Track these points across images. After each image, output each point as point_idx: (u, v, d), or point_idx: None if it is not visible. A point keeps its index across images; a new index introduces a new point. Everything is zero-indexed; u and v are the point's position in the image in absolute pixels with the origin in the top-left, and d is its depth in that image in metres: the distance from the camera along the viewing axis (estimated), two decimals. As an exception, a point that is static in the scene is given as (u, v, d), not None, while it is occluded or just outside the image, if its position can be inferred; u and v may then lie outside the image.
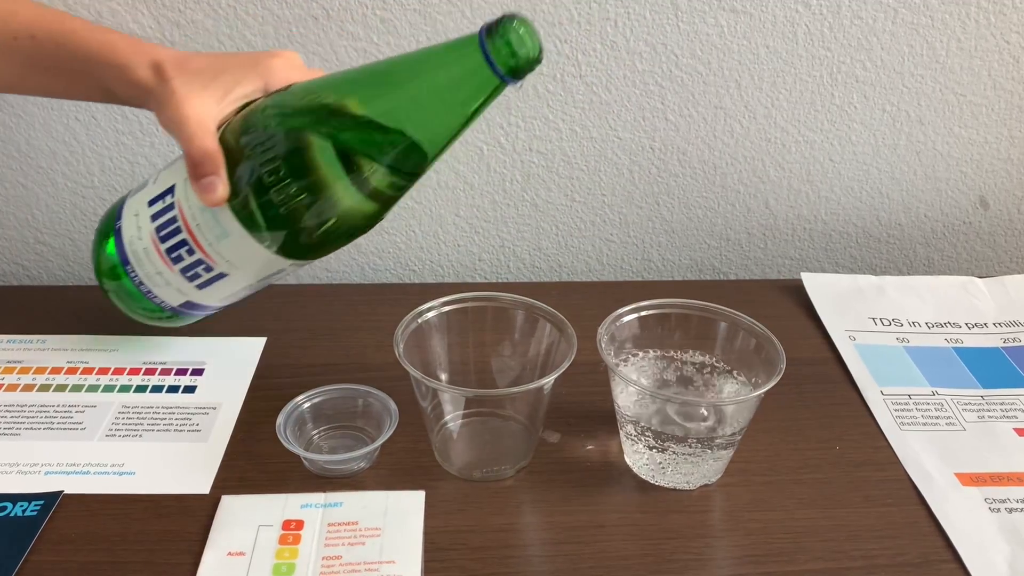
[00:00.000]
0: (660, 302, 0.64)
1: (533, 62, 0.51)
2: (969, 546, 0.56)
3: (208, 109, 0.57)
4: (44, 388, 0.67)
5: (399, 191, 0.57)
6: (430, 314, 0.63)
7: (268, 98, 0.57)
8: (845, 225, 0.92)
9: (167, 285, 0.62)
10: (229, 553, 0.53)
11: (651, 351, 0.64)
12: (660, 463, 0.59)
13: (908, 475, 0.62)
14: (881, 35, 0.82)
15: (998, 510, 0.59)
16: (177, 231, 0.59)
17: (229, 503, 0.57)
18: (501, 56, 0.50)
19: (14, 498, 0.57)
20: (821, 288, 0.83)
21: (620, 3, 0.79)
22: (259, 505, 0.56)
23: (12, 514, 0.56)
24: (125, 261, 0.62)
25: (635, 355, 0.64)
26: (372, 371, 0.67)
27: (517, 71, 0.50)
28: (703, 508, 0.59)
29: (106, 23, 0.77)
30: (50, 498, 0.57)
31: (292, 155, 0.54)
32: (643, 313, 0.63)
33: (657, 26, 0.80)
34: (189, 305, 0.63)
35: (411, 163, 0.55)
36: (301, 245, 0.58)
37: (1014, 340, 0.77)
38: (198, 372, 0.69)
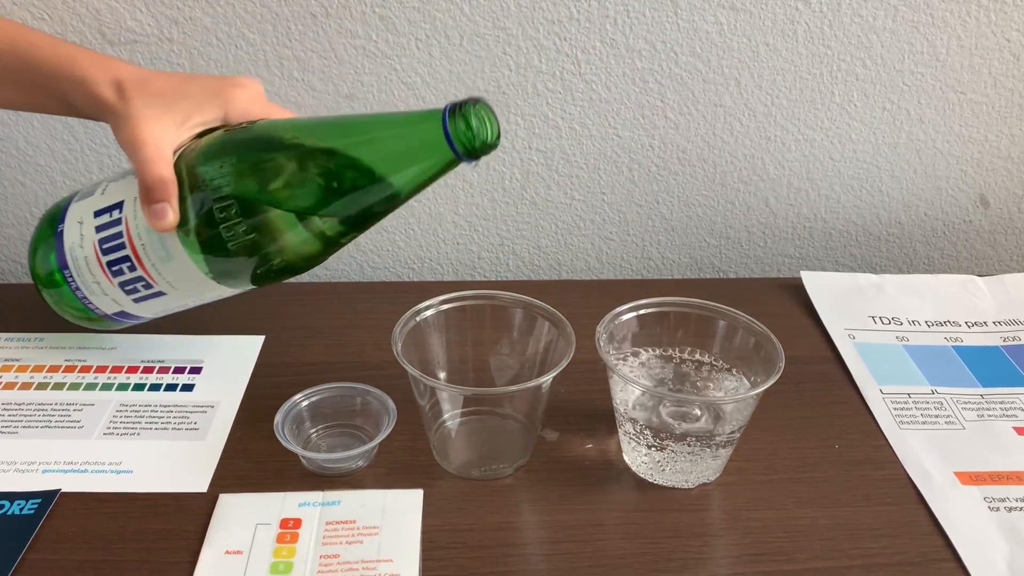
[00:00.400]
0: (659, 300, 0.64)
1: (489, 147, 0.52)
2: (968, 545, 0.56)
3: (166, 134, 0.57)
4: (42, 386, 0.67)
5: (346, 239, 0.57)
6: (428, 312, 0.62)
7: (228, 133, 0.57)
8: (845, 223, 0.92)
9: (103, 295, 0.62)
10: (227, 551, 0.53)
11: (650, 350, 0.64)
12: (659, 462, 0.59)
13: (907, 474, 0.62)
14: (881, 33, 0.82)
15: (997, 509, 0.59)
16: (121, 247, 0.59)
17: (227, 501, 0.57)
18: (460, 136, 0.51)
19: (12, 496, 0.57)
20: (821, 287, 0.83)
21: (619, 1, 0.79)
22: (257, 504, 0.56)
23: (10, 512, 0.55)
24: (64, 265, 0.62)
25: (634, 354, 0.64)
26: (370, 369, 0.66)
27: (473, 152, 0.52)
28: (702, 507, 0.59)
29: (105, 21, 0.77)
30: (48, 496, 0.57)
31: (245, 196, 0.54)
32: (642, 311, 0.63)
33: (656, 24, 0.80)
34: (122, 315, 0.64)
35: (361, 218, 0.56)
36: (243, 277, 0.58)
37: (1014, 339, 0.76)
38: (196, 370, 0.69)
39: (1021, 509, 0.59)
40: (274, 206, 0.54)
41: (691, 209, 0.90)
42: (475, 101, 0.52)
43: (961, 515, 0.58)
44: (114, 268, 0.60)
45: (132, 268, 0.59)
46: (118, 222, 0.59)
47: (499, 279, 0.92)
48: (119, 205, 0.59)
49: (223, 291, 0.61)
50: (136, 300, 0.62)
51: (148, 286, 0.60)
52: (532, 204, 0.88)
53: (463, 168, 0.78)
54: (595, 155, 0.86)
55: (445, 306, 0.63)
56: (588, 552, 0.55)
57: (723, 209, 0.90)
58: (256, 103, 0.60)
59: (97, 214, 0.60)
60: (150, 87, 0.58)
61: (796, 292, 0.83)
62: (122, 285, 0.61)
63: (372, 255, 0.90)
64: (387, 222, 0.87)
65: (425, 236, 0.89)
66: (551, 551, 0.55)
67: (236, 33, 0.78)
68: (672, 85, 0.83)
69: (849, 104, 0.85)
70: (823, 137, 0.87)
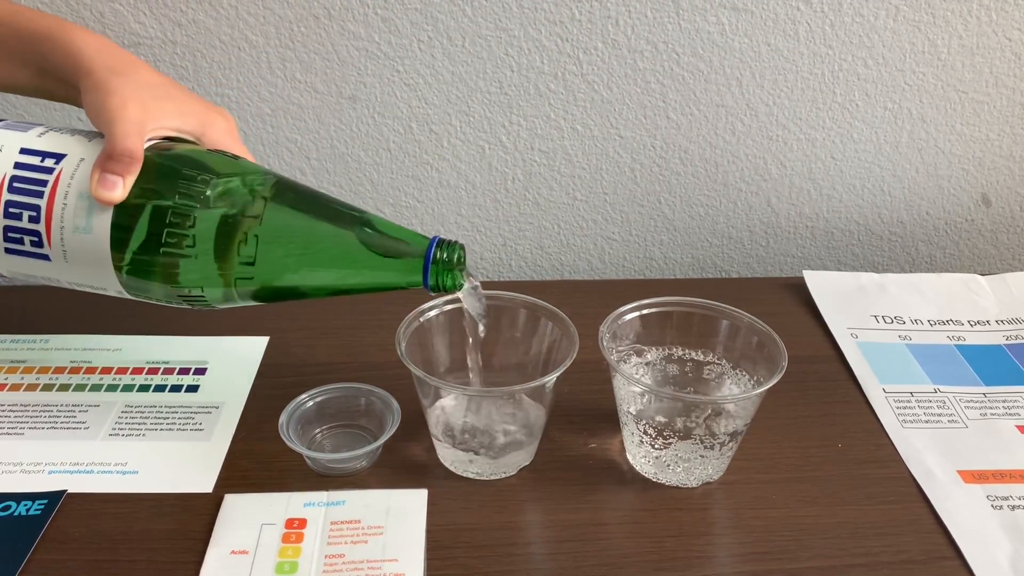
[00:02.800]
0: (662, 300, 0.64)
1: (451, 289, 0.56)
2: (971, 543, 0.56)
3: (145, 120, 0.56)
4: (47, 388, 0.67)
5: (263, 301, 0.58)
6: (432, 313, 0.63)
7: (215, 157, 0.57)
8: (847, 223, 0.92)
9: None
10: (232, 552, 0.53)
11: (653, 349, 0.64)
12: (662, 460, 0.59)
13: (910, 472, 0.62)
14: (883, 32, 0.82)
15: (1000, 507, 0.59)
16: (36, 194, 0.55)
17: (232, 502, 0.57)
18: (438, 268, 0.55)
19: (18, 497, 0.57)
20: (823, 286, 0.83)
21: (621, 1, 0.79)
22: (262, 504, 0.56)
23: (16, 513, 0.56)
24: None
25: (637, 353, 0.64)
26: (374, 370, 0.67)
27: (437, 287, 0.56)
28: (705, 506, 0.59)
29: (108, 23, 0.77)
30: (54, 497, 0.57)
31: (210, 224, 0.54)
32: (645, 311, 0.63)
33: (658, 24, 0.80)
34: None
35: (300, 291, 0.57)
36: (146, 284, 0.56)
37: (1016, 337, 0.77)
38: (201, 371, 0.69)
39: (1024, 507, 0.59)
40: (226, 241, 0.54)
41: (693, 209, 0.90)
42: (462, 247, 0.56)
43: (964, 513, 0.58)
44: (12, 210, 0.56)
45: (34, 220, 0.56)
46: (48, 171, 0.56)
47: (502, 279, 0.92)
48: (58, 156, 0.56)
49: (112, 284, 0.57)
50: (8, 251, 0.57)
51: (37, 244, 0.56)
52: (535, 205, 0.88)
53: (466, 169, 0.79)
54: (597, 155, 0.86)
55: (449, 306, 0.63)
56: (592, 551, 0.55)
57: (725, 209, 0.90)
58: (231, 137, 0.60)
59: (24, 151, 0.57)
60: (141, 72, 0.58)
61: (799, 291, 0.83)
62: (7, 229, 0.56)
63: (375, 256, 0.90)
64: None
65: (428, 237, 0.89)
66: (555, 550, 0.55)
67: (239, 35, 0.78)
68: (674, 85, 0.83)
69: (851, 103, 0.85)
70: (825, 136, 0.87)
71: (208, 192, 0.54)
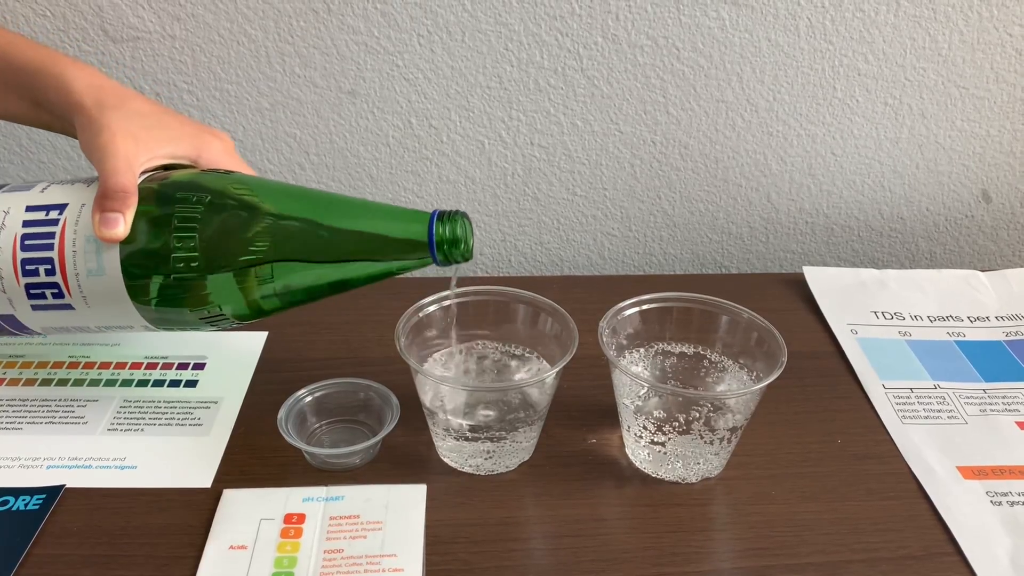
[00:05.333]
0: (661, 296, 0.64)
1: (463, 258, 0.55)
2: (971, 539, 0.56)
3: (139, 151, 0.56)
4: (46, 382, 0.67)
5: (286, 308, 0.58)
6: (432, 308, 0.63)
7: (208, 176, 0.57)
8: (847, 219, 0.92)
9: (0, 293, 0.59)
10: (231, 546, 0.53)
11: (652, 345, 0.64)
12: (662, 456, 0.59)
13: (910, 468, 0.62)
14: (883, 28, 0.82)
15: (1000, 503, 0.59)
16: (47, 247, 0.57)
17: (231, 497, 0.57)
18: (443, 241, 0.54)
19: (16, 492, 0.57)
20: (823, 282, 0.83)
21: (621, -4, 0.79)
22: (261, 499, 0.56)
23: (14, 508, 0.56)
24: None
25: (637, 349, 0.64)
26: (373, 365, 0.67)
27: (448, 258, 0.55)
28: (704, 501, 0.59)
29: (108, 18, 0.77)
30: (52, 492, 0.57)
31: (212, 243, 0.54)
32: (644, 307, 0.63)
33: (658, 19, 0.80)
34: (8, 319, 0.60)
35: (315, 291, 0.57)
36: (167, 312, 0.57)
37: (1016, 333, 0.76)
38: (199, 366, 0.69)
39: (1023, 503, 0.59)
40: (232, 257, 0.55)
41: (693, 204, 0.90)
42: (463, 214, 0.55)
43: (963, 509, 0.58)
44: (28, 267, 0.57)
45: (50, 272, 0.57)
46: (54, 222, 0.57)
47: (501, 275, 0.92)
48: (61, 206, 0.57)
49: (136, 320, 0.58)
50: (35, 308, 0.59)
51: (58, 295, 0.58)
52: (534, 200, 0.88)
53: (465, 164, 0.78)
54: (597, 151, 0.86)
55: (448, 302, 0.63)
56: (591, 546, 0.55)
57: (725, 204, 0.90)
58: (228, 156, 0.61)
59: (30, 209, 0.58)
60: (130, 104, 0.58)
61: (798, 287, 0.83)
62: (28, 287, 0.58)
63: (374, 251, 0.90)
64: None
65: (427, 232, 0.89)
66: (554, 545, 0.55)
67: (238, 29, 0.78)
68: (674, 81, 0.83)
69: (851, 99, 0.85)
70: (825, 132, 0.87)
71: (203, 210, 0.54)
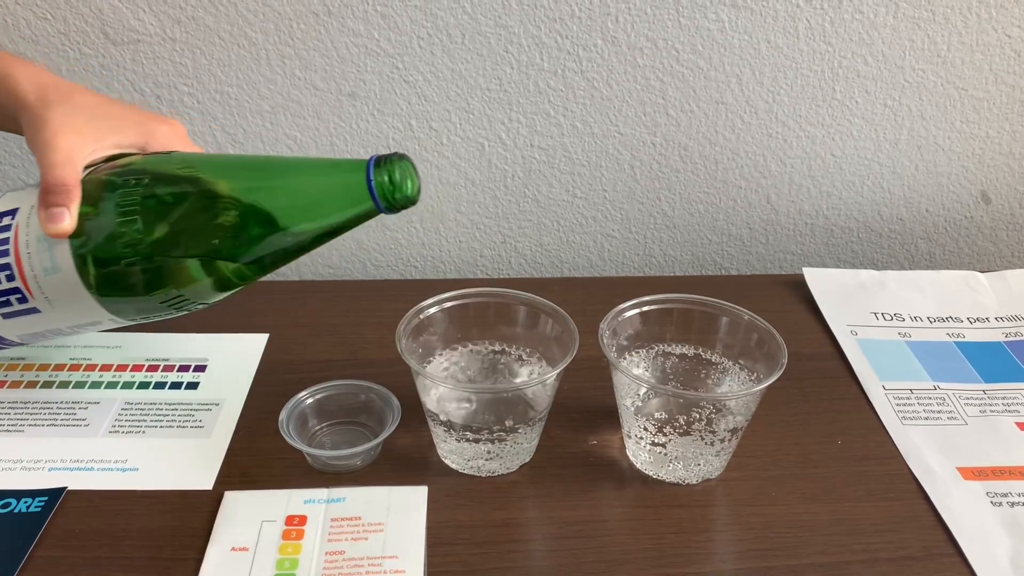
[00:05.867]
0: (661, 297, 0.64)
1: (410, 201, 0.53)
2: (971, 540, 0.56)
3: (81, 144, 0.56)
4: (47, 385, 0.67)
5: (245, 281, 0.56)
6: (432, 310, 0.63)
7: (146, 157, 0.57)
8: (847, 220, 0.92)
9: None
10: (233, 548, 0.53)
11: (653, 346, 0.64)
12: (662, 457, 0.59)
13: (910, 469, 0.62)
14: (882, 29, 0.82)
15: (1000, 504, 0.59)
16: (4, 253, 0.57)
17: (232, 499, 0.57)
18: (383, 188, 0.52)
19: (18, 494, 0.57)
20: (823, 283, 0.83)
21: (621, -2, 0.79)
22: (262, 501, 0.57)
23: (16, 510, 0.56)
24: None
25: (637, 350, 0.64)
26: (374, 367, 0.67)
27: (392, 205, 0.52)
28: (705, 502, 0.59)
29: (108, 21, 0.77)
30: (54, 494, 0.57)
31: (152, 217, 0.53)
32: (645, 308, 0.63)
33: (658, 21, 0.80)
34: None
35: (267, 259, 0.55)
36: (126, 300, 0.56)
37: (1016, 334, 0.77)
38: (201, 368, 0.69)
39: (1023, 504, 0.59)
40: (178, 235, 0.54)
41: (693, 206, 0.90)
42: (401, 156, 0.53)
43: (963, 510, 0.58)
44: None
45: (10, 278, 0.57)
46: (7, 228, 0.57)
47: (501, 276, 0.93)
48: (12, 212, 0.57)
49: (101, 313, 0.58)
50: (5, 316, 0.59)
51: (23, 300, 0.57)
52: (534, 202, 0.88)
53: (465, 166, 0.78)
54: (597, 152, 0.86)
55: (448, 303, 0.63)
56: (592, 548, 0.55)
57: (725, 206, 0.90)
58: (179, 140, 0.60)
59: None
60: (74, 98, 0.58)
61: (798, 288, 0.83)
62: None
63: (375, 253, 0.90)
64: (390, 220, 0.87)
65: (427, 234, 0.89)
66: (555, 547, 0.55)
67: (238, 32, 0.78)
68: (674, 82, 0.83)
69: (850, 101, 0.85)
70: (824, 134, 0.87)
71: (143, 192, 0.54)
